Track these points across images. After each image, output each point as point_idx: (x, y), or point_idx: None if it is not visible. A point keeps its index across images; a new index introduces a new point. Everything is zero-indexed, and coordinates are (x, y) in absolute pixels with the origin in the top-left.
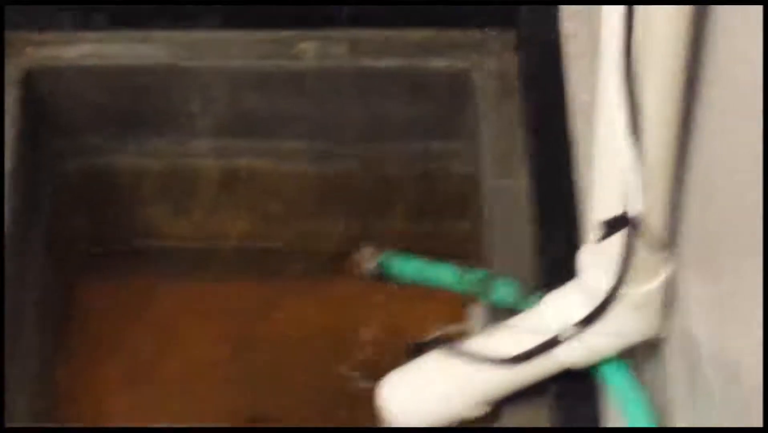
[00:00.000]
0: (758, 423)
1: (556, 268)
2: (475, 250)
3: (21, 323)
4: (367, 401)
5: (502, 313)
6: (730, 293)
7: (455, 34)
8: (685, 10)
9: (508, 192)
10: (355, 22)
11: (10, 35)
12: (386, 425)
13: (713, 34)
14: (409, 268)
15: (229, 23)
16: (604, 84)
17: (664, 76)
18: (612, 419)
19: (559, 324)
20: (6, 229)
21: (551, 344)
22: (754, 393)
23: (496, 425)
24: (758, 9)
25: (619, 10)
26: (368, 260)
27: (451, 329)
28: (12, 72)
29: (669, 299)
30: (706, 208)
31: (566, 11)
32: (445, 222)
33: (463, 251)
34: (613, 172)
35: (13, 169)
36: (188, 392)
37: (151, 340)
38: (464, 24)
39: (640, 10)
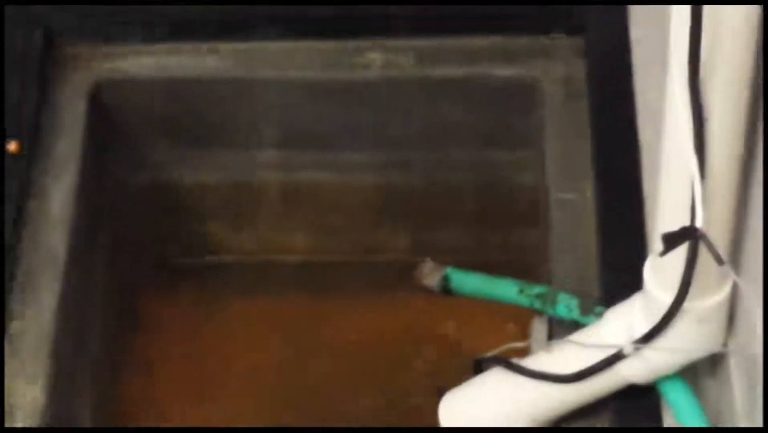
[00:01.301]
0: None
1: (623, 280)
2: (540, 261)
3: (85, 334)
4: (428, 417)
5: (565, 327)
6: None
7: (522, 41)
8: (753, 18)
9: (573, 203)
10: (420, 30)
11: (76, 48)
12: None
13: None
14: (471, 282)
15: (292, 33)
16: (671, 92)
17: (731, 85)
18: None
19: (621, 339)
20: (70, 241)
21: (613, 360)
22: None
23: None
24: None
25: (686, 17)
26: (429, 274)
27: (514, 345)
28: (80, 85)
29: (733, 313)
30: None
31: (635, 16)
32: (509, 233)
33: (528, 262)
34: (678, 183)
35: (79, 181)
36: (250, 404)
37: (215, 353)
38: (531, 30)
39: (707, 18)
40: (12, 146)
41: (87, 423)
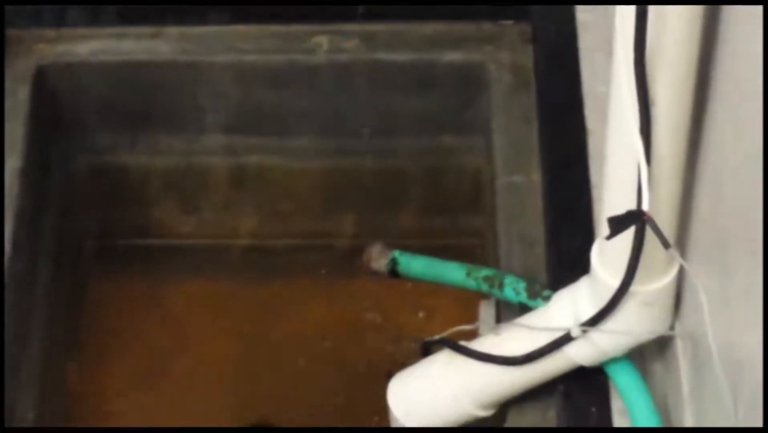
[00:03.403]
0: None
1: (569, 263)
2: (488, 245)
3: (30, 320)
4: (376, 399)
5: (513, 310)
6: (739, 289)
7: (469, 27)
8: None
9: (520, 187)
10: (369, 16)
11: (21, 33)
12: (394, 424)
13: (725, 28)
14: (418, 265)
15: (239, 18)
16: (617, 77)
17: (677, 70)
18: (619, 420)
19: (568, 322)
20: (15, 225)
21: (560, 342)
22: (760, 390)
23: (504, 425)
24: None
25: (632, 4)
26: (377, 258)
27: (462, 327)
28: (23, 69)
29: (679, 296)
30: (716, 205)
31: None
32: (457, 217)
33: (475, 246)
34: (624, 167)
35: (23, 166)
36: (198, 390)
37: (162, 337)
38: (479, 17)
39: (652, 6)
40: None
41: (31, 410)
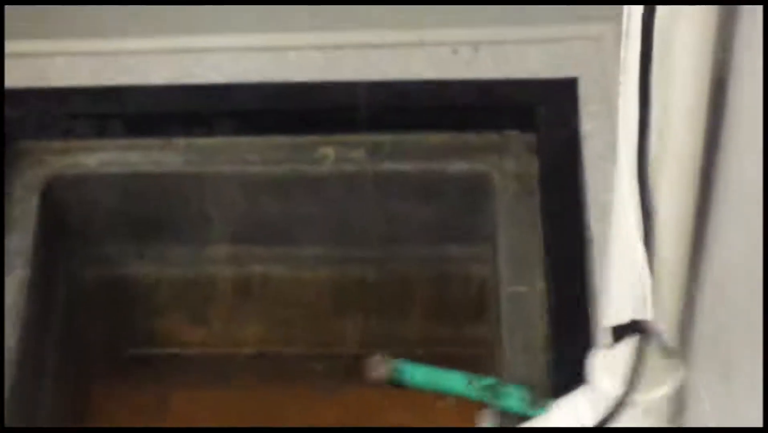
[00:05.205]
0: None
1: (572, 372)
2: (493, 354)
3: (36, 426)
4: None
5: (514, 419)
6: (742, 398)
7: (474, 137)
8: (702, 112)
9: (524, 297)
10: (374, 126)
11: (29, 144)
12: None
13: (724, 138)
14: (419, 375)
15: (245, 129)
16: (620, 185)
17: (680, 177)
18: None
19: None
20: (22, 334)
21: None
22: None
23: None
24: None
25: (634, 115)
26: (378, 367)
27: None
28: (32, 180)
29: (681, 404)
30: (717, 313)
31: (586, 110)
32: (461, 326)
33: (479, 354)
34: (625, 276)
35: (31, 275)
36: None
37: None
38: (484, 127)
39: (656, 111)
40: None
41: None
